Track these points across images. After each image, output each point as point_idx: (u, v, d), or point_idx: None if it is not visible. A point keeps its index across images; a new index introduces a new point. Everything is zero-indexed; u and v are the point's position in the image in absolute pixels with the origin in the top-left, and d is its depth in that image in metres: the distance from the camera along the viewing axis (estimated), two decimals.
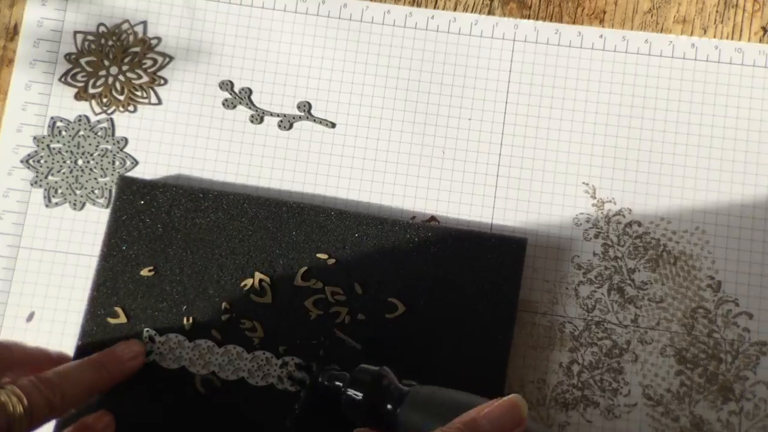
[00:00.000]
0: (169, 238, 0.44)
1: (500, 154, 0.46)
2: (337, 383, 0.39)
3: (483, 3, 0.48)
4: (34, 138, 0.46)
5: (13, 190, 0.46)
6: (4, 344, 0.38)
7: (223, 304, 0.43)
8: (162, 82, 0.47)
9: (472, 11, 0.48)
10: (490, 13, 0.48)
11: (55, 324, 0.45)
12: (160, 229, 0.44)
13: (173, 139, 0.47)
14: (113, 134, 0.46)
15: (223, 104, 0.47)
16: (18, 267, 0.45)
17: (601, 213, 0.45)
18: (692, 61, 0.47)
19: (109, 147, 0.46)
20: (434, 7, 0.48)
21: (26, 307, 0.45)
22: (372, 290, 0.43)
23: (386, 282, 0.43)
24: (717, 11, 0.47)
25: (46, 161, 0.46)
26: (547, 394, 0.44)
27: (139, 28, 0.47)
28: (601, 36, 0.47)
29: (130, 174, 0.46)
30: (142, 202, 0.44)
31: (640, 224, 0.45)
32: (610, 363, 0.44)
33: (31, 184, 0.46)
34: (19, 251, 0.45)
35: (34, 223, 0.45)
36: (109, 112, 0.47)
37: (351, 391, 0.38)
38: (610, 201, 0.46)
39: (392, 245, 0.43)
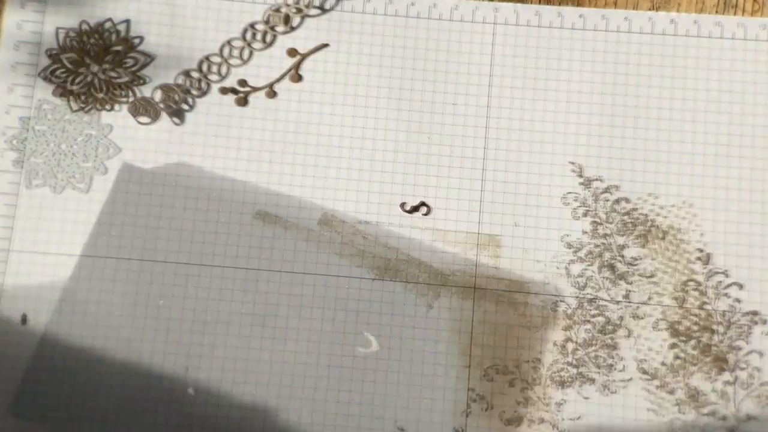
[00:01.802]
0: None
1: (486, 137, 0.46)
2: None
3: None
4: (20, 118, 0.46)
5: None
6: None
7: None
8: (143, 81, 0.47)
9: None
10: None
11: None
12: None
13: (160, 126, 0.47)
14: (99, 120, 0.46)
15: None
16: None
17: (589, 191, 0.46)
18: (672, 36, 0.47)
19: (94, 132, 0.46)
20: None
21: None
22: None
23: None
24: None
25: (29, 143, 0.46)
26: (543, 373, 0.44)
27: (122, 27, 0.47)
28: (580, 16, 0.47)
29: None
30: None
31: (627, 200, 0.45)
32: (604, 339, 0.44)
33: (14, 165, 0.46)
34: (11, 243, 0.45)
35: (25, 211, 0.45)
36: (86, 109, 0.46)
37: None
38: (597, 179, 0.46)
39: None
